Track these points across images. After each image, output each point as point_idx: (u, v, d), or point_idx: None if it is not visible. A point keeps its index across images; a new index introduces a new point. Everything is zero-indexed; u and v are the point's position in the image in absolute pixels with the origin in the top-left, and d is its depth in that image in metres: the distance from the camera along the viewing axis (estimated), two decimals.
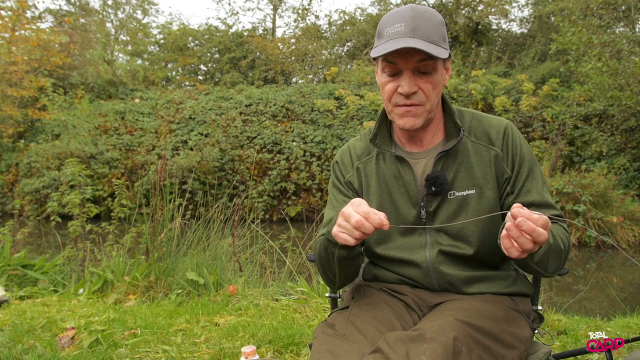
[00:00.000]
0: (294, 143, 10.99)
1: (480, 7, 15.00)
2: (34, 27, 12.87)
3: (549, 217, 0.97)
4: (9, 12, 12.04)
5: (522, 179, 1.20)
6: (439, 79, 1.17)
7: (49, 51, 12.78)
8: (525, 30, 16.24)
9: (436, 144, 1.26)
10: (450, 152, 1.21)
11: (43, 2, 20.49)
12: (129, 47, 20.07)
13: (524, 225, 0.88)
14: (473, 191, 1.20)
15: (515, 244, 0.92)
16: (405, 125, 1.18)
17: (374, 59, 1.20)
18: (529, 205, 1.17)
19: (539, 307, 1.37)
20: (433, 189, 1.19)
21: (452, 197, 1.21)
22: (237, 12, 27.34)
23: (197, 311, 2.95)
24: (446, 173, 1.20)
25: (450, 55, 1.19)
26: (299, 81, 17.58)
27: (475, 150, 1.22)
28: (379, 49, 1.12)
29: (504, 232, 0.94)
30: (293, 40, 18.81)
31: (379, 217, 0.98)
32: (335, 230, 1.04)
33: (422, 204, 1.23)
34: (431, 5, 16.26)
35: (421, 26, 1.11)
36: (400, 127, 1.20)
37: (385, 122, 1.30)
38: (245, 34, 18.82)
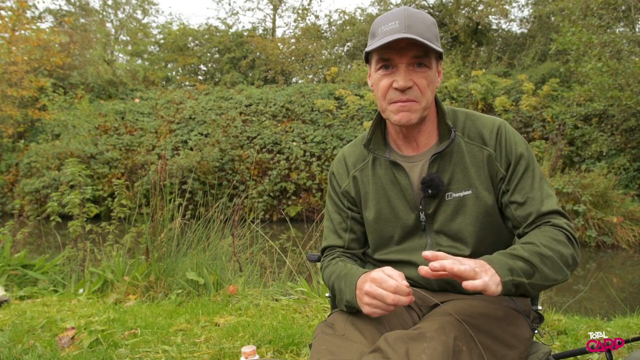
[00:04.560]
0: (294, 143, 10.99)
1: (480, 7, 14.99)
2: (34, 27, 12.85)
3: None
4: (9, 12, 12.03)
5: (517, 176, 1.18)
6: (433, 76, 1.17)
7: (49, 51, 12.77)
8: (525, 30, 16.24)
9: (430, 146, 1.26)
10: (445, 154, 1.21)
11: (43, 2, 20.52)
12: (129, 47, 20.07)
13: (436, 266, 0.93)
14: (469, 192, 1.20)
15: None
16: (400, 120, 1.17)
17: (367, 59, 1.22)
18: (523, 202, 1.16)
19: (539, 307, 1.36)
20: (429, 191, 1.19)
21: (449, 198, 1.21)
22: (237, 12, 27.36)
23: (197, 311, 2.95)
24: (442, 174, 1.20)
25: (442, 57, 1.20)
26: (299, 81, 17.58)
27: (469, 151, 1.21)
28: (375, 43, 1.13)
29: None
30: (293, 40, 18.81)
31: (408, 288, 1.00)
32: (368, 310, 1.06)
33: (421, 207, 1.23)
34: (431, 5, 16.27)
35: (415, 24, 1.12)
36: (395, 122, 1.19)
37: (379, 127, 1.30)
38: (245, 34, 18.81)
